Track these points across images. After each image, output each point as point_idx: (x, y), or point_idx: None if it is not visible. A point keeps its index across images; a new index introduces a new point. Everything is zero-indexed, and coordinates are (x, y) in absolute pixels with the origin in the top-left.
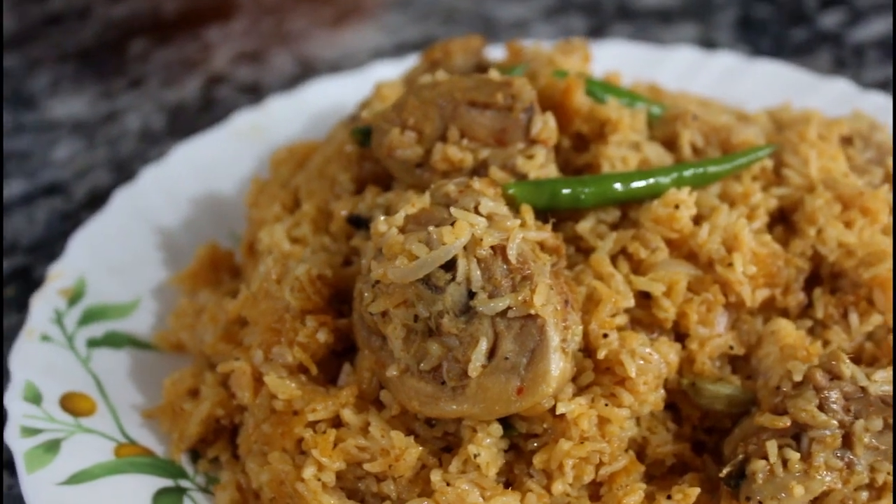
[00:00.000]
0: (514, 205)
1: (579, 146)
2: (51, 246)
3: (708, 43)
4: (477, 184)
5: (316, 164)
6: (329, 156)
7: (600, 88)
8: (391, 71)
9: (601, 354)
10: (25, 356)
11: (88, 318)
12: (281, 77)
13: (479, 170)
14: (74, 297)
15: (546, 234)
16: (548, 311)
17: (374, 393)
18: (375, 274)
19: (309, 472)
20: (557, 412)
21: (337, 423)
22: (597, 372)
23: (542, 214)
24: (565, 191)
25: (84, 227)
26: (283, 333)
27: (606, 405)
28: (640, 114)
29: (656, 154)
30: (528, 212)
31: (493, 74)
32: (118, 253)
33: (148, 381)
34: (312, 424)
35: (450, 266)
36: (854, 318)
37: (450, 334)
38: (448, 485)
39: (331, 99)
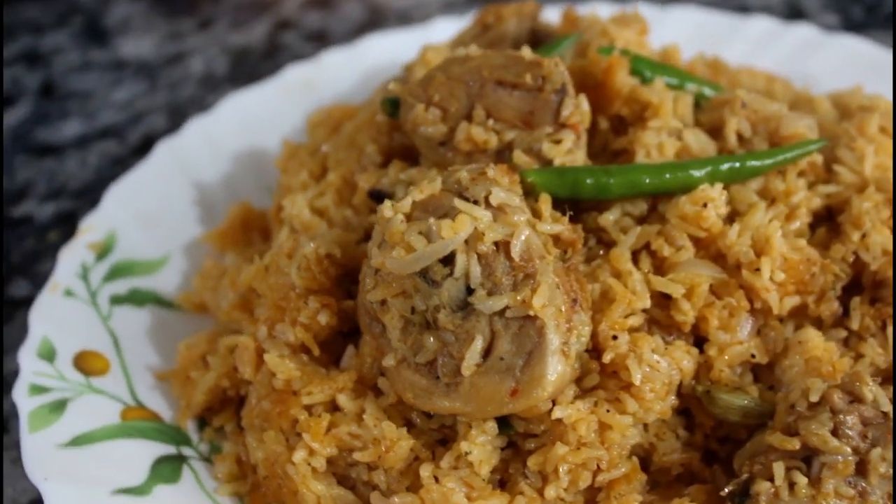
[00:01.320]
0: (533, 193)
1: (619, 129)
2: (98, 191)
3: (794, 8)
4: (492, 171)
5: (347, 131)
6: (360, 124)
7: (649, 67)
8: (453, 28)
9: (607, 358)
10: (46, 311)
11: (115, 273)
12: (349, 25)
13: (504, 152)
14: (103, 251)
15: (561, 227)
16: (548, 312)
17: (375, 378)
18: (375, 262)
19: (299, 455)
20: (554, 416)
21: (334, 406)
22: (602, 375)
23: (564, 204)
24: (589, 180)
25: (122, 178)
26: (287, 311)
27: (608, 411)
28: (685, 97)
29: (698, 142)
30: (546, 202)
31: (526, 52)
32: (153, 207)
33: (167, 342)
34: (309, 407)
35: (449, 260)
36: (892, 331)
37: (446, 329)
38: (437, 481)
39: (388, 55)
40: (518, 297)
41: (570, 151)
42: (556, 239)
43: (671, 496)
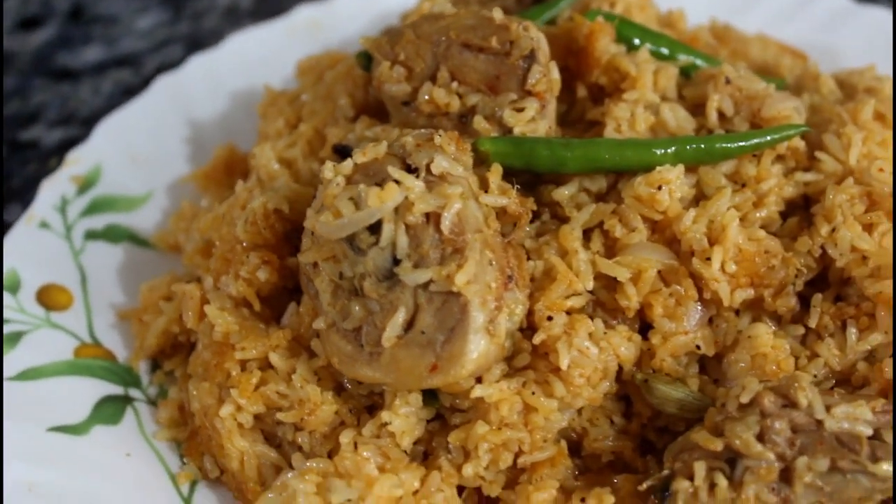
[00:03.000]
0: (487, 162)
1: (597, 98)
2: None
3: None
4: (439, 138)
5: (326, 81)
6: (338, 75)
7: (639, 34)
8: None
9: (537, 339)
10: (18, 242)
11: (94, 208)
12: None
13: (467, 116)
14: (86, 184)
15: (507, 199)
16: (472, 289)
17: (311, 339)
18: (307, 223)
19: (226, 410)
20: (474, 395)
21: (268, 364)
22: (534, 356)
23: (523, 175)
24: (545, 152)
25: (116, 112)
26: (232, 264)
27: (534, 393)
28: (668, 69)
29: (675, 118)
30: (496, 172)
31: (496, 14)
32: (144, 143)
33: (135, 281)
34: (244, 362)
35: (377, 228)
36: (852, 333)
37: (371, 298)
38: (355, 448)
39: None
40: (443, 272)
41: (532, 121)
42: (503, 212)
43: (598, 483)
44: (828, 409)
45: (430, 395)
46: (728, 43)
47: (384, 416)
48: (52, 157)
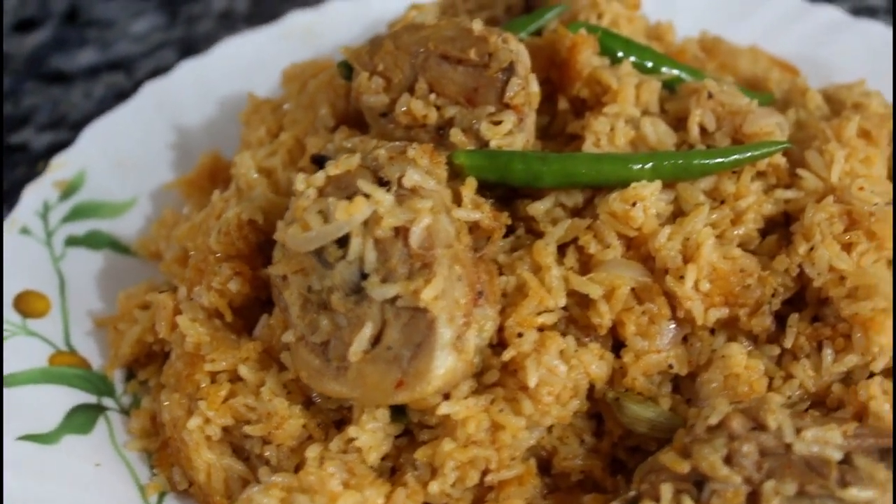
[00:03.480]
0: (462, 175)
1: (579, 111)
2: None
3: None
4: (412, 151)
5: (309, 90)
6: (320, 83)
7: (622, 46)
8: None
9: (507, 356)
10: None
11: (77, 214)
12: None
13: (444, 129)
14: (69, 190)
15: (480, 214)
16: (440, 305)
17: (281, 351)
18: (277, 236)
19: (194, 422)
20: (440, 412)
21: (239, 376)
22: (503, 373)
23: (498, 189)
24: (520, 166)
25: (103, 117)
26: (205, 275)
27: (501, 411)
28: (651, 83)
29: (656, 133)
30: (470, 186)
31: (476, 25)
32: (130, 148)
33: (115, 288)
34: (214, 374)
35: (345, 242)
36: (828, 354)
37: (339, 312)
38: (321, 464)
39: (398, 4)
40: (410, 287)
41: (509, 134)
42: (476, 226)
43: (567, 502)
44: (798, 432)
45: (398, 411)
46: (717, 56)
47: (351, 431)
48: (41, 161)
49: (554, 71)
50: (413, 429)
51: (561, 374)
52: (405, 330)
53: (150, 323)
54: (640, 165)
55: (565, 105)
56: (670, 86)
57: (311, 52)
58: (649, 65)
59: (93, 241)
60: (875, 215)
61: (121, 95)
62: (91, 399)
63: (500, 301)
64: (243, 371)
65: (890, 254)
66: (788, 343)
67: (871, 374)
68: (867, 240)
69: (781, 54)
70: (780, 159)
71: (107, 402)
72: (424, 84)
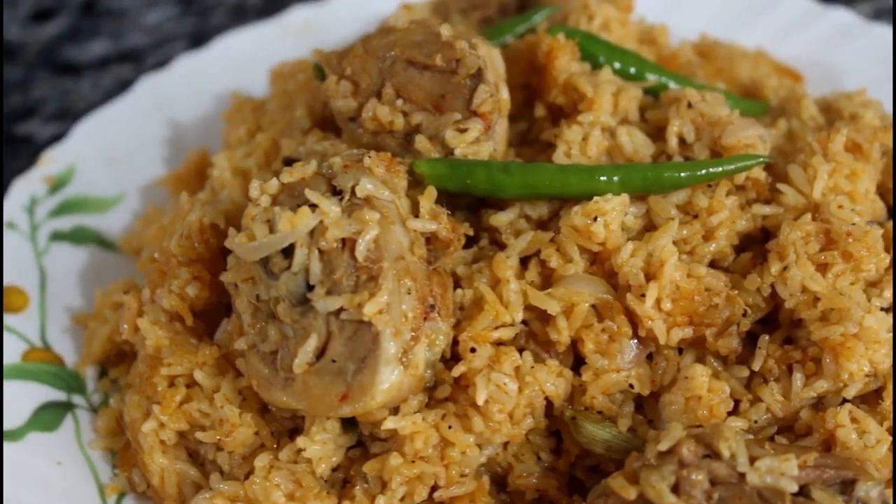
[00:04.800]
0: (422, 184)
1: (557, 118)
2: None
3: None
4: (368, 160)
5: (289, 90)
6: (300, 84)
7: (605, 52)
8: None
9: (457, 371)
10: None
11: (64, 209)
12: None
13: (412, 135)
14: (58, 184)
15: (436, 225)
16: (384, 319)
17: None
18: (227, 242)
19: (148, 426)
20: (385, 427)
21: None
22: (455, 388)
23: (465, 199)
24: (482, 176)
25: (97, 111)
26: (167, 277)
27: (451, 427)
28: (629, 91)
29: (632, 143)
30: (429, 196)
31: (444, 31)
32: (123, 143)
33: (97, 285)
34: (172, 378)
35: (290, 253)
36: (798, 378)
37: (286, 323)
38: (269, 473)
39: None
40: (354, 300)
41: (475, 142)
42: (435, 237)
43: None
44: (752, 461)
45: (349, 423)
46: (714, 61)
47: (300, 441)
48: (42, 153)
49: (534, 76)
50: (366, 441)
51: (511, 392)
52: (349, 343)
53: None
54: (608, 178)
55: (542, 112)
56: (655, 93)
57: (308, 48)
58: (633, 71)
59: (78, 236)
60: (852, 235)
61: (126, 87)
62: (61, 396)
63: (454, 314)
64: (199, 376)
65: (868, 275)
66: (757, 365)
67: (845, 401)
68: (843, 261)
69: (790, 58)
70: (759, 173)
71: (76, 399)
72: (391, 90)
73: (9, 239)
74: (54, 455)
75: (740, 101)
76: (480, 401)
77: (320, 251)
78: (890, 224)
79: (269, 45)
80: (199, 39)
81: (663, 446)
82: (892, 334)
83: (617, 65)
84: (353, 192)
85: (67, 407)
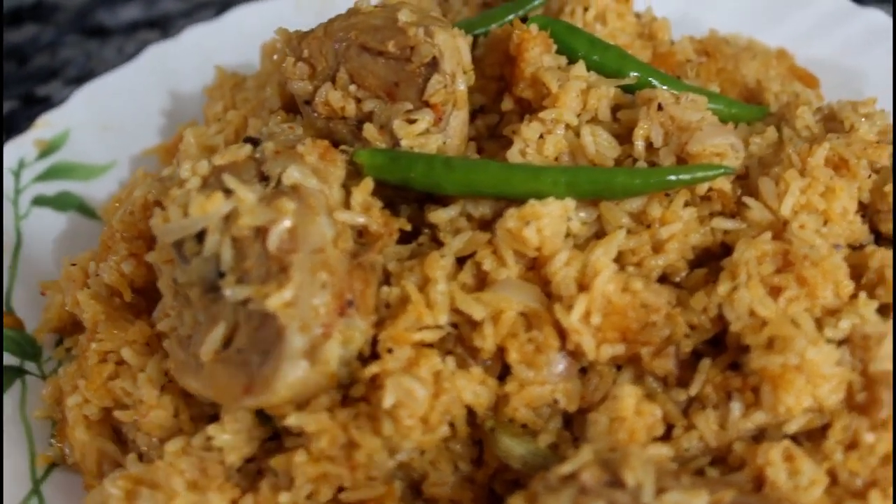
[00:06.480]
0: (362, 175)
1: (525, 114)
2: None
3: None
4: (302, 147)
5: (267, 68)
6: (274, 64)
7: (585, 45)
8: None
9: (369, 372)
10: None
11: (51, 173)
12: None
13: (364, 122)
14: (49, 149)
15: (364, 218)
16: (290, 313)
17: None
18: (152, 222)
19: (73, 400)
20: (287, 422)
21: None
22: (369, 388)
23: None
24: (422, 170)
25: (99, 78)
26: (110, 252)
27: (359, 428)
28: (601, 88)
29: (596, 143)
30: (364, 188)
31: (402, 15)
32: (120, 111)
33: (72, 252)
34: (104, 353)
35: (204, 238)
36: (736, 407)
37: (198, 308)
38: (178, 458)
39: None
40: (261, 291)
41: (423, 134)
42: (365, 230)
43: None
44: (659, 492)
45: (266, 415)
46: (717, 60)
47: (210, 430)
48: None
49: (506, 67)
50: (282, 434)
51: (419, 397)
52: (255, 335)
53: None
54: (554, 180)
55: (510, 105)
56: (634, 91)
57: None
58: (615, 67)
59: (61, 202)
60: (809, 259)
61: None
62: (14, 361)
63: (377, 312)
64: (126, 354)
65: (827, 303)
66: (694, 390)
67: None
68: (798, 286)
69: (814, 60)
70: (725, 184)
71: (29, 366)
72: (345, 74)
73: None
74: None
75: (735, 103)
76: (387, 404)
77: (234, 238)
78: (872, 248)
79: (283, 19)
80: (225, 6)
81: (566, 469)
82: (840, 368)
83: (597, 58)
84: (279, 180)
85: (18, 372)
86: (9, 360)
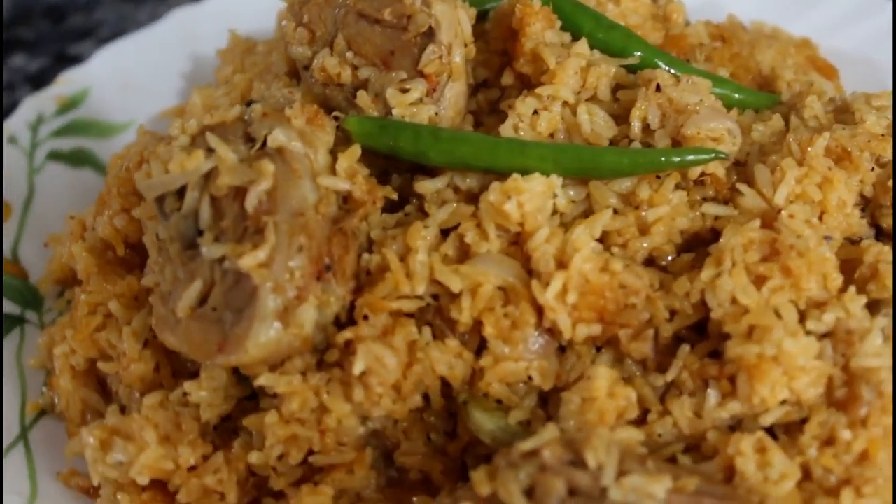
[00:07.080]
0: (350, 141)
1: (524, 89)
2: None
3: None
4: (289, 110)
5: (279, 34)
6: (282, 29)
7: (591, 22)
8: None
9: (341, 338)
10: None
11: (69, 130)
12: None
13: (359, 89)
14: (67, 105)
15: (347, 184)
16: (263, 273)
17: None
18: (136, 176)
19: (60, 349)
20: (256, 383)
21: None
22: (343, 353)
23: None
24: (409, 139)
25: (123, 38)
26: (105, 206)
27: (329, 393)
28: (601, 67)
29: (592, 122)
30: (351, 154)
31: None
32: (143, 72)
33: (81, 207)
34: (94, 305)
35: (184, 195)
36: (712, 395)
37: (178, 264)
38: (154, 412)
39: None
40: (237, 251)
41: (415, 104)
42: (349, 197)
43: (397, 500)
44: (621, 475)
45: (242, 374)
46: (732, 46)
47: (186, 386)
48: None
49: (509, 42)
50: (259, 395)
51: (389, 366)
52: (229, 293)
53: None
54: (540, 156)
55: (510, 80)
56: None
57: None
58: (620, 46)
59: (76, 158)
60: (795, 249)
61: None
62: (15, 310)
63: (355, 279)
64: (113, 307)
65: (813, 295)
66: (671, 376)
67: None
68: (782, 276)
69: (839, 52)
70: (719, 169)
71: (30, 315)
72: (343, 41)
73: (7, 153)
74: None
75: (743, 89)
76: (357, 370)
77: (212, 197)
78: (869, 243)
79: None
80: None
81: (528, 446)
82: (819, 362)
83: (601, 38)
84: (264, 142)
85: (19, 321)
86: (10, 308)
